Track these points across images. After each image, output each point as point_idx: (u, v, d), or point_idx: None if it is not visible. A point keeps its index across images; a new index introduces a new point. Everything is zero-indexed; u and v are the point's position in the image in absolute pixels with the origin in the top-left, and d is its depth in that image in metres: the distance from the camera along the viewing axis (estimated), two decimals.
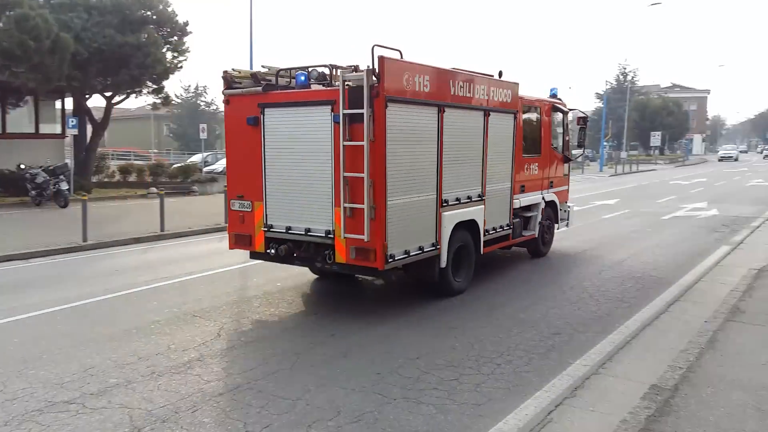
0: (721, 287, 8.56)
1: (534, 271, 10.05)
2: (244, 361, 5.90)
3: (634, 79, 78.26)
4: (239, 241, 7.43)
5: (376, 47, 6.23)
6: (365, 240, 6.25)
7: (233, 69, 7.35)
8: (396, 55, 6.50)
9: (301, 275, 9.70)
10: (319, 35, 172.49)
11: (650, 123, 67.50)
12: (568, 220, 11.60)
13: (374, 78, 6.08)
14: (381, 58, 6.18)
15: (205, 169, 30.39)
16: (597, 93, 77.55)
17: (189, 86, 62.39)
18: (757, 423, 4.23)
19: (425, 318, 7.36)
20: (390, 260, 6.49)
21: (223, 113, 7.63)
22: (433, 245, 7.18)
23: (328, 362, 5.86)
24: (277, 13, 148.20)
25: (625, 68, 77.33)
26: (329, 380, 5.42)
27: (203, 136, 29.28)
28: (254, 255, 7.50)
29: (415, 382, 5.38)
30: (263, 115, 6.76)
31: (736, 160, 66.91)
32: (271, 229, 7.01)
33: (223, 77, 7.25)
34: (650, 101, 74.90)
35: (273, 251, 7.05)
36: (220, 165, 37.47)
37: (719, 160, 65.86)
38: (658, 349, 6.06)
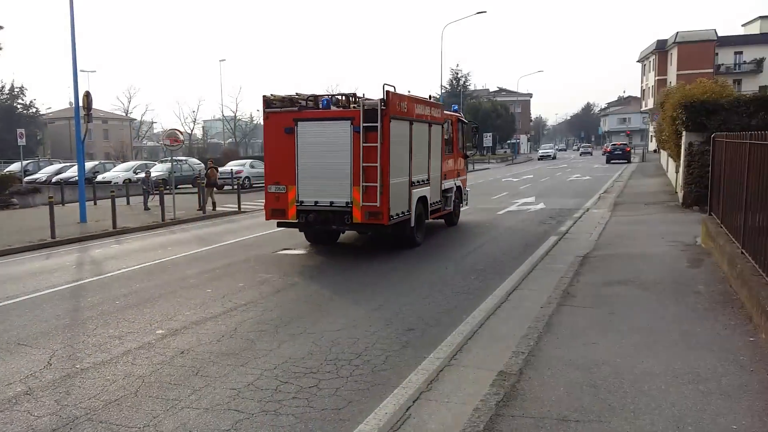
0: (553, 274, 9.34)
1: (384, 271, 10.25)
2: (81, 391, 5.34)
3: (466, 83, 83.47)
4: (275, 214, 10.81)
5: (385, 85, 10.32)
6: (377, 206, 9.82)
7: (271, 94, 10.68)
8: (389, 88, 10.36)
9: (143, 290, 9.06)
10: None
11: (483, 125, 72.70)
12: (467, 200, 16.56)
13: (384, 104, 9.88)
14: (388, 92, 9.99)
15: (26, 179, 27.24)
16: (432, 96, 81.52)
17: (3, 85, 55.59)
18: (591, 398, 4.63)
19: (281, 325, 7.19)
20: (391, 219, 10.12)
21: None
22: (406, 212, 10.96)
23: (178, 383, 5.49)
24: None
25: (457, 73, 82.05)
26: (179, 402, 5.07)
27: (21, 142, 26.23)
28: (282, 224, 10.90)
29: (274, 393, 5.20)
30: (297, 126, 10.15)
31: (554, 158, 71.59)
32: (302, 204, 10.46)
33: (263, 99, 10.62)
34: (481, 104, 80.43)
35: (303, 219, 10.41)
36: (44, 173, 33.78)
37: (539, 159, 70.30)
38: (503, 337, 6.44)
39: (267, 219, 11.08)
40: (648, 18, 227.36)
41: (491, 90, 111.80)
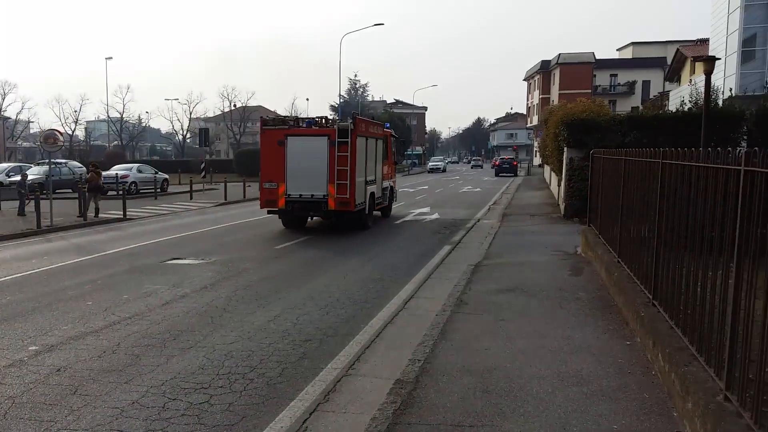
0: (447, 282, 9.57)
1: (279, 281, 10.06)
2: None
3: (365, 94, 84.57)
4: (268, 203, 14.57)
5: (355, 114, 15.04)
6: (347, 197, 13.51)
7: (267, 116, 14.88)
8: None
9: (15, 304, 8.30)
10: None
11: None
12: (396, 197, 21.11)
13: (352, 125, 13.86)
14: (356, 117, 14.32)
15: None
16: (332, 105, 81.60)
17: None
18: (484, 403, 4.76)
19: (170, 339, 6.84)
20: (356, 207, 14.06)
21: None
22: (363, 203, 15.12)
23: (53, 403, 5.05)
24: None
25: (356, 83, 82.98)
26: (55, 424, 4.66)
27: None
28: (272, 212, 14.76)
29: (161, 411, 4.90)
30: (286, 140, 13.90)
31: (443, 171, 71.28)
32: (290, 196, 14.08)
33: (261, 119, 14.93)
34: (378, 115, 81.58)
35: (290, 207, 14.13)
36: None
37: (429, 171, 69.25)
38: (400, 345, 6.49)
39: (261, 208, 15.44)
40: (534, 38, 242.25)
41: (388, 102, 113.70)
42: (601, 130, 16.38)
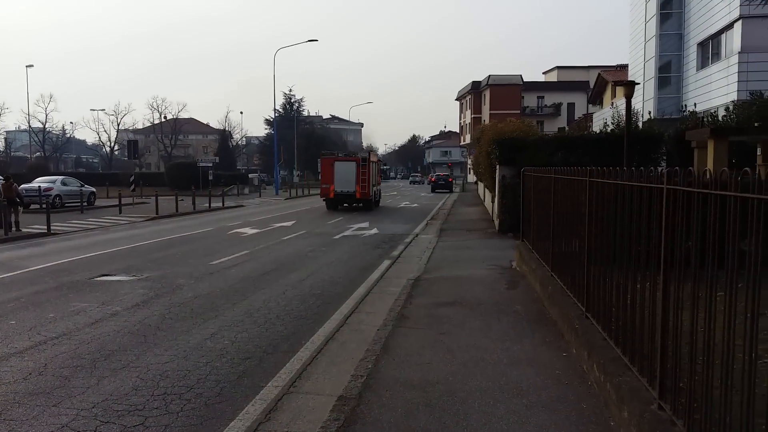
0: (388, 297, 9.55)
1: (217, 298, 9.77)
2: None
3: (300, 108, 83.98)
4: (324, 194, 30.50)
5: (369, 150, 45.02)
6: (366, 192, 30.02)
7: (324, 151, 35.12)
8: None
9: None
10: None
11: (316, 149, 73.48)
12: (380, 198, 35.20)
13: (369, 156, 31.30)
14: (369, 152, 33.64)
15: None
16: (266, 119, 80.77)
17: None
18: (427, 417, 4.72)
19: (101, 360, 6.48)
20: (370, 197, 30.73)
21: None
22: (372, 196, 31.18)
23: None
24: None
25: (291, 98, 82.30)
26: None
27: None
28: (326, 200, 30.46)
29: None
30: (335, 163, 29.92)
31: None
32: (335, 191, 29.78)
33: (321, 153, 33.70)
34: (315, 130, 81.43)
35: (336, 197, 29.96)
36: None
37: None
38: (342, 361, 6.38)
39: (321, 197, 30.73)
40: (465, 59, 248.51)
41: (324, 117, 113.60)
42: (531, 149, 16.88)
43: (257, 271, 12.24)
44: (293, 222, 23.65)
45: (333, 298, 9.69)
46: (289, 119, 76.15)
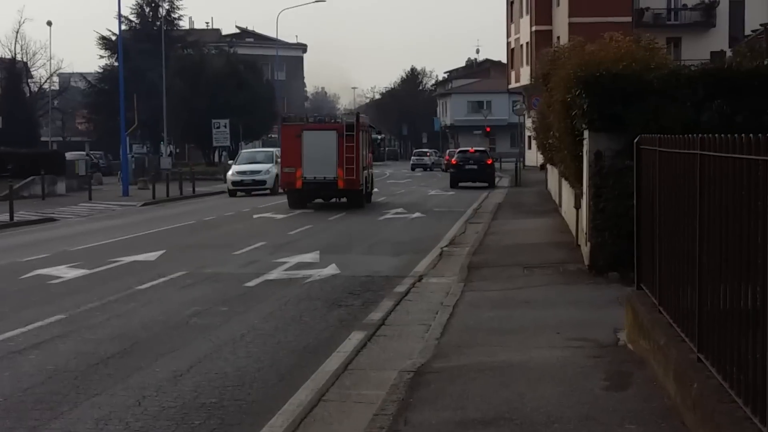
0: (359, 410, 9.49)
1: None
2: None
3: (173, 15, 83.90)
4: (287, 184, 40.53)
5: (358, 113, 51.57)
6: (354, 179, 39.10)
7: (286, 113, 59.50)
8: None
9: None
10: None
11: (211, 102, 73.25)
12: (374, 184, 47.76)
13: (357, 121, 41.61)
14: (358, 115, 45.14)
15: None
16: (104, 37, 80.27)
17: None
18: None
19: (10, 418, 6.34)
20: (360, 187, 40.31)
21: None
22: (363, 185, 41.55)
23: None
24: None
25: None
26: None
27: None
28: (290, 193, 40.57)
29: None
30: (303, 132, 39.27)
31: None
32: (305, 178, 38.76)
33: (281, 117, 51.37)
34: (206, 58, 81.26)
35: (306, 188, 39.40)
36: None
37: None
38: None
39: (281, 187, 41.95)
40: None
41: (225, 33, 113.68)
42: (655, 97, 16.93)
43: (83, 357, 12.21)
44: (160, 253, 23.71)
45: (242, 413, 9.69)
46: (152, 37, 75.98)
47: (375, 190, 48.42)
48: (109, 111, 67.91)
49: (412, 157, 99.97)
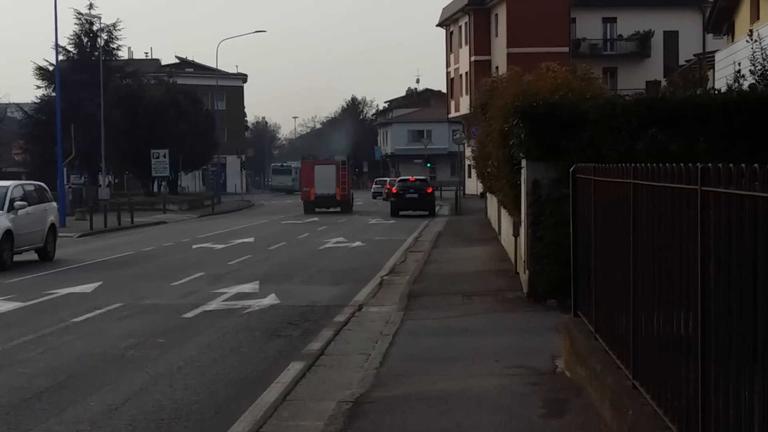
0: None
1: None
2: None
3: (112, 45, 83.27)
4: (305, 197, 68.83)
5: (349, 156, 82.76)
6: (345, 194, 68.48)
7: (309, 155, 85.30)
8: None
9: None
10: None
11: (151, 132, 72.78)
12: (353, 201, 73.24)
13: (347, 160, 74.02)
14: (348, 157, 79.04)
15: None
16: (41, 67, 79.40)
17: None
18: None
19: None
20: (349, 199, 70.60)
21: None
22: (350, 198, 72.22)
23: None
24: None
25: (91, 21, 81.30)
26: None
27: None
28: (307, 202, 67.99)
29: None
30: (315, 167, 68.87)
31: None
32: (316, 194, 67.22)
33: (302, 157, 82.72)
34: (144, 90, 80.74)
35: (317, 199, 67.38)
36: None
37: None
38: None
39: (302, 199, 68.01)
40: None
41: (165, 63, 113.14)
42: (591, 126, 17.10)
43: (16, 392, 12.06)
44: (97, 285, 23.43)
45: None
46: (89, 66, 75.39)
47: (358, 202, 75.35)
48: (46, 141, 67.08)
49: (374, 186, 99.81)
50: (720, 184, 5.83)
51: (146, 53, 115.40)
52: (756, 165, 5.30)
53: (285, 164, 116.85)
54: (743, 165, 5.47)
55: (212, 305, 19.74)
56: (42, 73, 79.49)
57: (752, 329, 5.39)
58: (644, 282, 8.10)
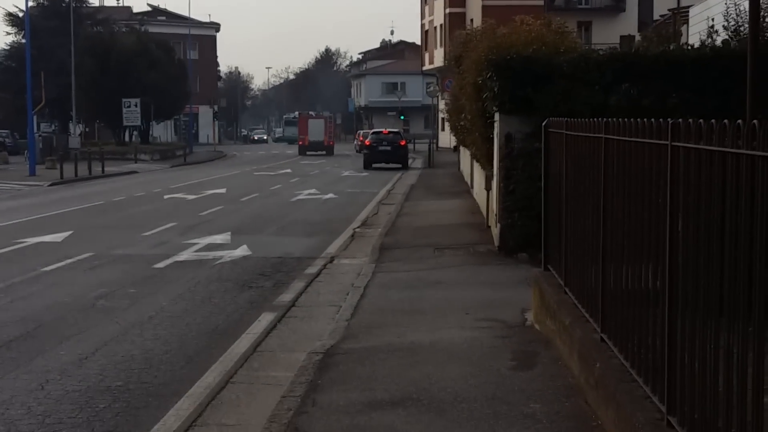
0: (267, 393, 9.54)
1: None
2: None
3: None
4: (301, 142, 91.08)
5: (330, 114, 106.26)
6: (331, 142, 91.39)
7: (298, 112, 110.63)
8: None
9: None
10: None
11: (122, 81, 72.11)
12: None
13: (333, 115, 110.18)
14: (333, 115, 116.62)
15: None
16: (11, 14, 78.37)
17: None
18: None
19: None
20: (333, 145, 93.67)
21: None
22: (333, 145, 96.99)
23: None
24: None
25: None
26: None
27: None
28: (301, 146, 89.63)
29: None
30: (309, 120, 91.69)
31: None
32: (309, 140, 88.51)
33: (299, 113, 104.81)
34: (116, 38, 79.97)
35: (308, 144, 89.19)
36: None
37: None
38: None
39: (300, 146, 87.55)
40: None
41: (136, 11, 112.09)
42: (564, 80, 17.10)
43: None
44: (67, 234, 23.39)
45: (148, 397, 9.68)
46: (60, 14, 74.59)
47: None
48: (15, 89, 66.34)
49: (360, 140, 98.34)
50: (690, 139, 5.86)
51: (118, 0, 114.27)
52: (726, 121, 5.34)
53: (295, 116, 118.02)
54: (713, 121, 5.52)
55: (183, 256, 19.74)
56: (12, 19, 78.69)
57: (718, 284, 5.46)
58: (614, 236, 8.16)
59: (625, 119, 7.74)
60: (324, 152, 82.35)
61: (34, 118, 56.39)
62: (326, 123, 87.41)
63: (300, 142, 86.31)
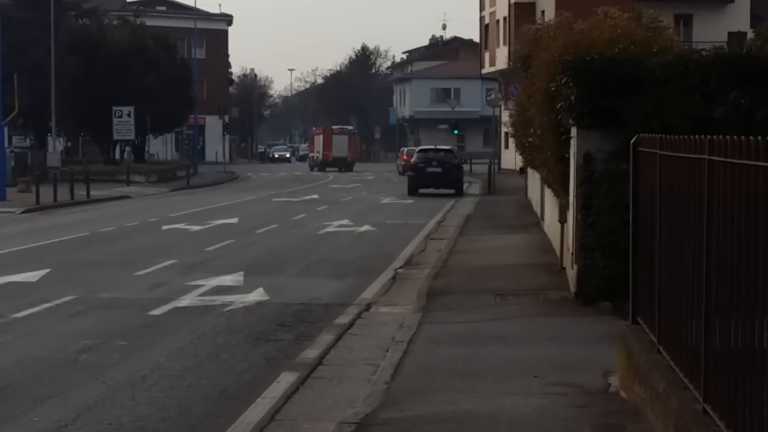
0: None
1: None
2: None
3: None
4: (324, 159, 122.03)
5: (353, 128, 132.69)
6: (354, 158, 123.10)
7: (332, 126, 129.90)
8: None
9: None
10: None
11: (112, 85, 72.53)
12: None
13: (356, 131, 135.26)
14: (353, 129, 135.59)
15: None
16: None
17: None
18: None
19: None
20: (354, 161, 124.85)
21: None
22: (354, 161, 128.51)
23: None
24: None
25: None
26: None
27: None
28: (322, 163, 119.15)
29: None
30: (333, 136, 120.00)
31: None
32: (333, 156, 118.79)
33: (323, 128, 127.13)
34: (106, 33, 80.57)
35: (332, 160, 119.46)
36: None
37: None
38: None
39: (323, 161, 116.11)
40: None
41: (131, 0, 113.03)
42: (659, 87, 17.07)
43: None
44: (44, 272, 23.56)
45: None
46: (38, 3, 75.20)
47: (368, 177, 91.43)
48: None
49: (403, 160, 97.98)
50: None
51: None
52: None
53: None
54: None
55: (185, 301, 19.78)
56: None
57: None
58: (721, 282, 8.06)
59: (735, 137, 7.68)
60: (344, 169, 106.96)
61: (5, 130, 56.79)
62: (350, 139, 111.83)
63: (323, 158, 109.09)
